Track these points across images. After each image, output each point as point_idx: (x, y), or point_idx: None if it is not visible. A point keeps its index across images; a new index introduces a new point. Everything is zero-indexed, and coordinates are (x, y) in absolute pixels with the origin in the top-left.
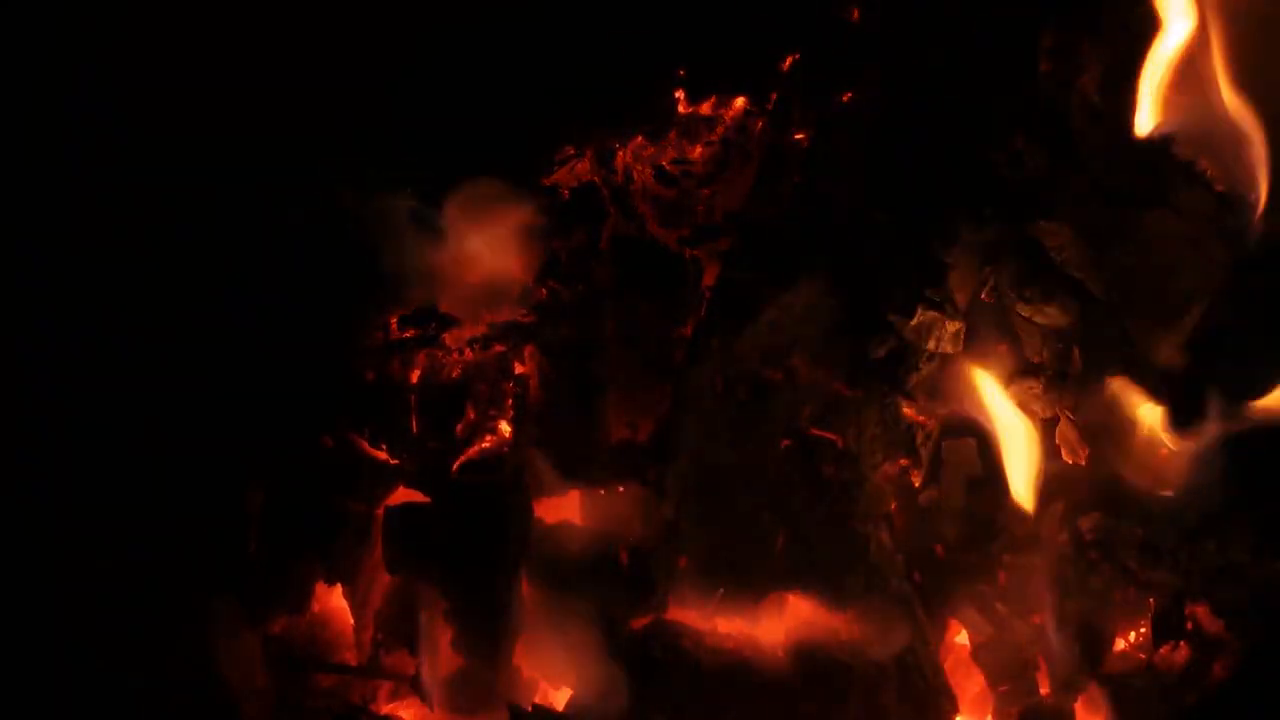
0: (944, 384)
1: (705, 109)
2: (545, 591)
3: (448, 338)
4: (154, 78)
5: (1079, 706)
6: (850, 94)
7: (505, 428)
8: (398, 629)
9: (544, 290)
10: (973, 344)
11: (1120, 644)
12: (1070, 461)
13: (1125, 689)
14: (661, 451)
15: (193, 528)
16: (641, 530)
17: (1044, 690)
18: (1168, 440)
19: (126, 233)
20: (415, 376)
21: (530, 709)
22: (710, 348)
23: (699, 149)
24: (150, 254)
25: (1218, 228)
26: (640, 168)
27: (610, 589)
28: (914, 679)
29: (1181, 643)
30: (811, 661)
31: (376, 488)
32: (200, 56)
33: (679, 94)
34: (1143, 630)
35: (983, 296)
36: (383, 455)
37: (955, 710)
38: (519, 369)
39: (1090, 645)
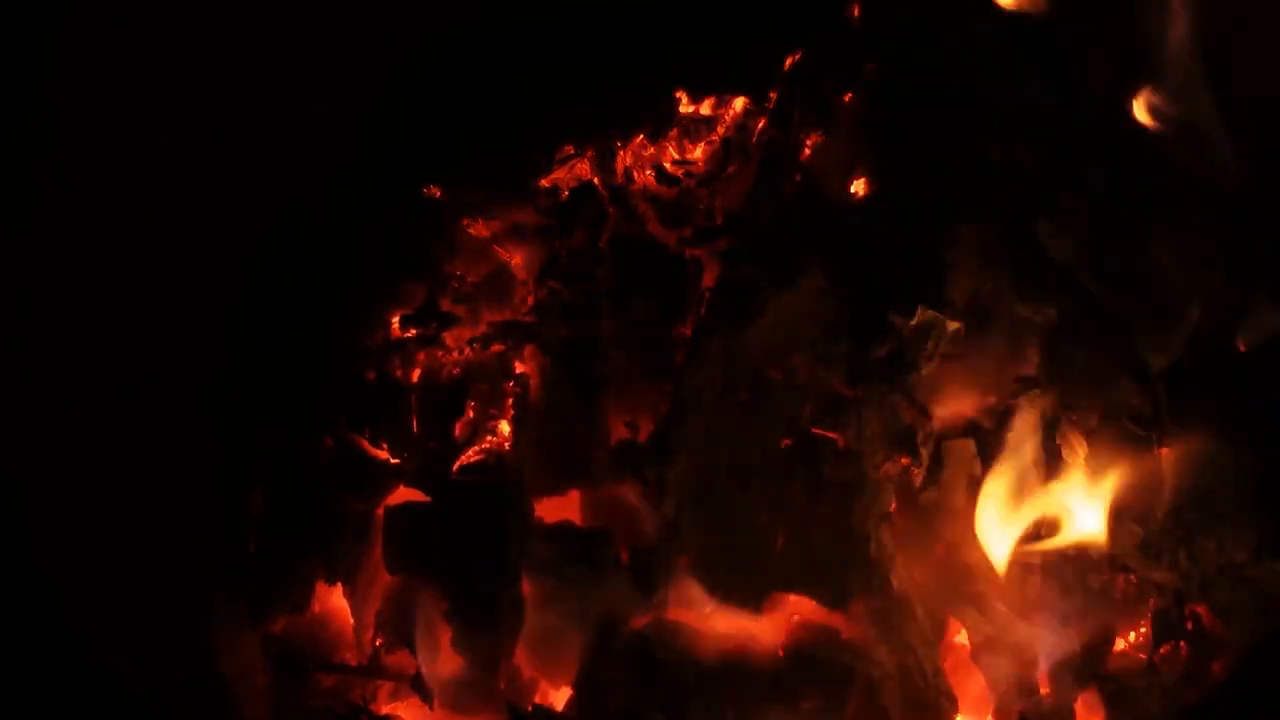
0: (944, 383)
1: (705, 109)
2: (545, 591)
3: (448, 338)
4: (153, 75)
5: (1079, 706)
6: (850, 94)
7: (505, 427)
8: (398, 629)
9: (544, 290)
10: (973, 344)
11: (1120, 644)
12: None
13: (1125, 689)
14: (661, 451)
15: (193, 528)
16: (641, 530)
17: (1044, 690)
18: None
19: (126, 232)
20: (415, 376)
21: (530, 709)
22: (710, 348)
23: (699, 149)
24: (150, 254)
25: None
26: (640, 168)
27: (610, 589)
28: (914, 679)
29: (1181, 643)
30: (811, 661)
31: (376, 488)
32: (200, 54)
33: (679, 94)
34: (1143, 630)
35: (982, 297)
36: (383, 455)
37: (955, 710)
38: (519, 369)
39: (1090, 645)
